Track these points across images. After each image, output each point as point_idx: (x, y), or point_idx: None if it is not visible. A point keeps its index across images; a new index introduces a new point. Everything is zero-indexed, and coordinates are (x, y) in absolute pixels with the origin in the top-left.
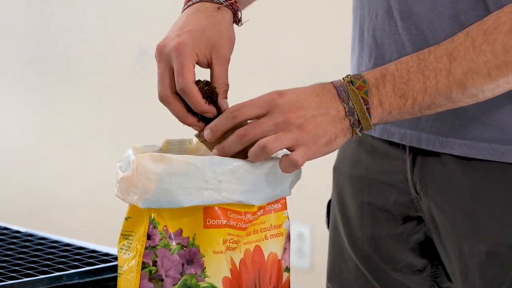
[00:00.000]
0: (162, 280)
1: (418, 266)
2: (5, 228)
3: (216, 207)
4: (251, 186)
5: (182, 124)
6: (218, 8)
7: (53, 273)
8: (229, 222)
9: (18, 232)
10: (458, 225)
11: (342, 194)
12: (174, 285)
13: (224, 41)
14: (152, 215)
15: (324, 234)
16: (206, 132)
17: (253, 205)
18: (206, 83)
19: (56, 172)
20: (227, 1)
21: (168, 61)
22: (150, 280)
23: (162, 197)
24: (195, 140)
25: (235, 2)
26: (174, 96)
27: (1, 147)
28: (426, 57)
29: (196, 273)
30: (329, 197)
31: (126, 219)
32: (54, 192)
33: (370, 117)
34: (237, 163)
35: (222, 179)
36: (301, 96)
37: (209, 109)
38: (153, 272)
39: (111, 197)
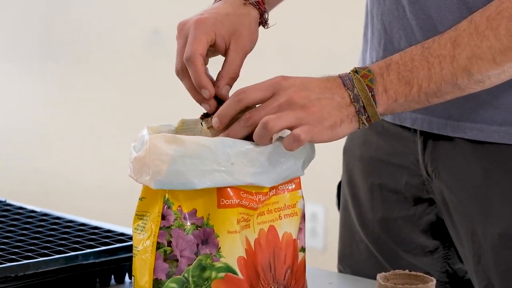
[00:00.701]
0: (177, 260)
1: (429, 247)
2: (21, 208)
3: (228, 188)
4: (262, 168)
5: (196, 104)
6: (244, 3)
7: (69, 252)
8: (241, 202)
9: (33, 211)
10: (470, 208)
11: (352, 176)
12: (189, 265)
13: (245, 32)
14: (167, 195)
15: (337, 215)
16: (214, 120)
17: (265, 187)
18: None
19: (70, 153)
20: None
21: (187, 37)
22: (165, 260)
23: (174, 179)
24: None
25: (263, 2)
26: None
27: (16, 128)
28: (430, 45)
29: (211, 253)
30: None
31: (140, 199)
32: (68, 173)
33: (376, 104)
34: (249, 145)
35: (234, 161)
36: (305, 80)
37: (207, 85)
38: (168, 252)
39: (126, 177)
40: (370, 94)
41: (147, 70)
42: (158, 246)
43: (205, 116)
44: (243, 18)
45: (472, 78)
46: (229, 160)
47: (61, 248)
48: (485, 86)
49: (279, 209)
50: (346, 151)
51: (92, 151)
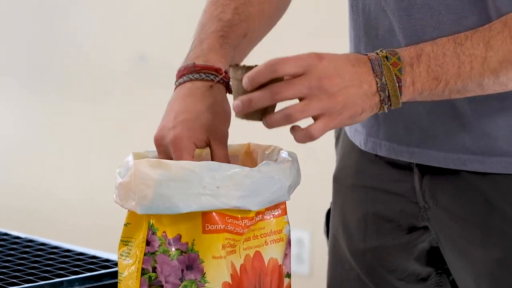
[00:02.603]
0: (162, 286)
1: (422, 274)
2: (5, 234)
3: (214, 213)
4: (248, 191)
5: None
6: (211, 86)
7: (54, 279)
8: (227, 227)
9: (18, 238)
10: (470, 233)
11: (343, 204)
12: None
13: (220, 121)
14: (151, 221)
15: (323, 240)
16: (244, 81)
17: (250, 211)
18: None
19: (56, 177)
20: (218, 77)
21: (167, 152)
22: (150, 286)
23: (160, 203)
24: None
25: (225, 73)
26: None
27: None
28: (462, 42)
29: (196, 279)
30: (328, 203)
31: (125, 225)
32: (54, 197)
33: (400, 95)
34: (235, 169)
35: (220, 184)
36: (338, 64)
37: None
38: (152, 278)
39: (112, 202)
40: (397, 85)
41: (133, 93)
42: (143, 272)
43: (237, 66)
44: (213, 108)
45: (497, 80)
46: (215, 184)
47: (46, 275)
48: (507, 89)
49: (265, 235)
50: (337, 179)
51: (78, 174)
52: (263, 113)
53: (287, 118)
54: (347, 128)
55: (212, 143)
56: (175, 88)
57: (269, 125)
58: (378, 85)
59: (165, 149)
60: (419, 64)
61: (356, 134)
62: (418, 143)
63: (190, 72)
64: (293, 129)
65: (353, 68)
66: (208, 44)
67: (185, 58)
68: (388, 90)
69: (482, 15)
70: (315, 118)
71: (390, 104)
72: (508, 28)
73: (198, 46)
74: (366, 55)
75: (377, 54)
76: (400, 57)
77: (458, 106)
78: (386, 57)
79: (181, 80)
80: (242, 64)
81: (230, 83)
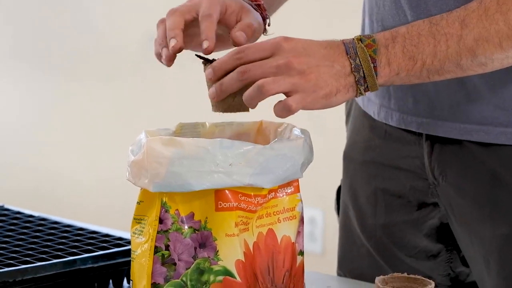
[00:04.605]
0: (175, 264)
1: (433, 251)
2: (18, 212)
3: (227, 190)
4: (261, 169)
5: (193, 108)
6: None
7: (67, 257)
8: (240, 205)
9: (31, 216)
10: (479, 210)
11: (353, 181)
12: (187, 269)
13: (252, 20)
14: (164, 199)
15: (336, 219)
16: (208, 71)
17: (263, 188)
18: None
19: (67, 158)
20: (253, 1)
21: (194, 11)
22: (163, 264)
23: (172, 181)
24: (208, 124)
25: (264, 9)
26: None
27: (11, 128)
28: (438, 22)
29: (209, 257)
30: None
31: (138, 203)
32: (65, 178)
33: (376, 76)
34: (248, 146)
35: (232, 162)
36: (307, 44)
37: (212, 39)
38: (165, 256)
39: (124, 181)
40: (372, 65)
41: (144, 75)
42: (156, 250)
43: (206, 61)
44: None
45: (475, 59)
46: (227, 161)
47: (59, 253)
48: (487, 69)
49: (277, 212)
50: (347, 156)
51: (89, 153)
52: (240, 104)
53: (260, 89)
54: (359, 99)
55: (243, 16)
56: None
57: (246, 101)
58: (352, 66)
59: (196, 3)
60: (394, 45)
61: (370, 104)
62: (425, 114)
63: None
64: (274, 105)
65: (324, 50)
66: None
67: None
68: (363, 70)
69: None
70: (289, 96)
71: (367, 86)
72: (484, 6)
73: None
74: (341, 40)
75: (352, 38)
76: (375, 39)
77: (465, 77)
78: (361, 39)
79: None
80: (212, 58)
81: (205, 82)
